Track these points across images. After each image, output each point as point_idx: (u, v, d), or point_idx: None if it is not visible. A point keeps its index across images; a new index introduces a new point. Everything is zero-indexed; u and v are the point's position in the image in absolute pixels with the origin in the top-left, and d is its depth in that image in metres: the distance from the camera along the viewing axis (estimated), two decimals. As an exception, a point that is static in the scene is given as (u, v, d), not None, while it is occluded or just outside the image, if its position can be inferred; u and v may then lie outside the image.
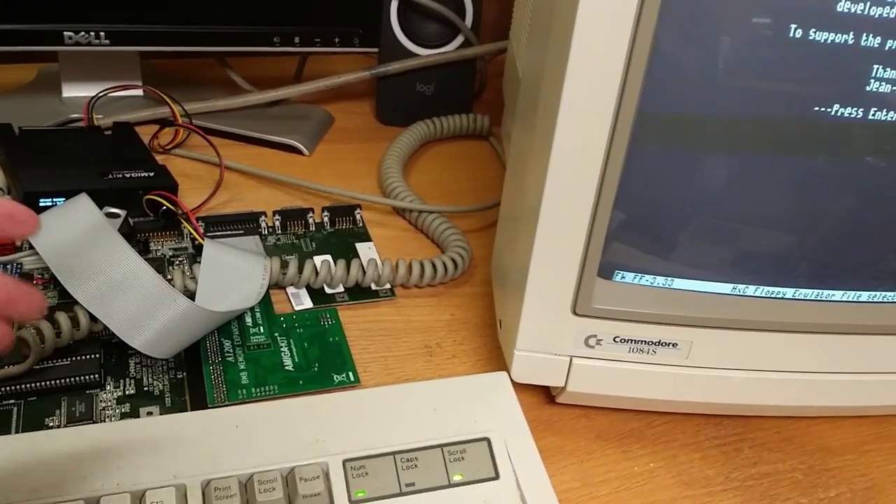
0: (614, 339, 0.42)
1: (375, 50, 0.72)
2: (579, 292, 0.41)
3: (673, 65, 0.35)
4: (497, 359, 0.49)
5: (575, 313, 0.41)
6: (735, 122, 0.37)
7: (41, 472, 0.36)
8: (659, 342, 0.42)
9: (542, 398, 0.47)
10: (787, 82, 0.36)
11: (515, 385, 0.44)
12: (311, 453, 0.38)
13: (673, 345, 0.42)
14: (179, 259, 0.54)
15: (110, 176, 0.56)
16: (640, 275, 0.41)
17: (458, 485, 0.38)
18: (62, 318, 0.44)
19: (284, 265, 0.52)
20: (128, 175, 0.56)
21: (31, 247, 0.50)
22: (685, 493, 0.43)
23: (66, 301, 0.46)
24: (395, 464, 0.38)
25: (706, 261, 0.41)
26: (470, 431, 0.40)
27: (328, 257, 0.56)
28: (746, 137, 0.38)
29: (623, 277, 0.42)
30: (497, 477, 0.39)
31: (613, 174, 0.37)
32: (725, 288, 0.42)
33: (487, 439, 0.40)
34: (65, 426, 0.42)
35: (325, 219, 0.59)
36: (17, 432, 0.41)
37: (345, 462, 0.38)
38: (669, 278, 0.41)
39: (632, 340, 0.42)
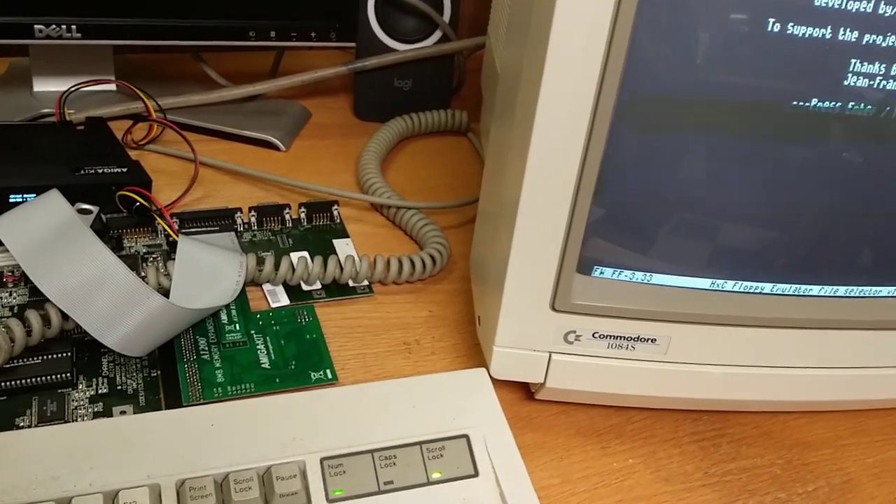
0: (593, 335, 0.42)
1: (352, 45, 0.72)
2: (558, 288, 0.40)
3: (652, 58, 0.35)
4: (475, 355, 0.49)
5: (554, 309, 0.41)
6: (714, 115, 0.37)
7: (11, 472, 0.36)
8: (638, 338, 0.42)
9: (520, 395, 0.47)
10: (764, 76, 0.36)
11: (494, 382, 0.43)
12: (288, 452, 0.38)
13: (652, 340, 0.42)
14: (153, 256, 0.53)
15: (82, 171, 0.55)
16: (618, 270, 0.41)
17: (437, 482, 0.38)
18: (33, 316, 0.43)
19: (260, 262, 0.52)
20: (100, 171, 0.55)
21: (1, 244, 0.49)
22: (664, 488, 0.43)
23: (37, 299, 0.45)
24: (373, 462, 0.38)
25: (684, 256, 0.41)
26: (449, 428, 0.40)
27: (305, 254, 0.55)
28: (725, 131, 0.38)
29: (602, 273, 0.41)
30: (476, 474, 0.39)
31: (592, 168, 0.37)
32: (704, 283, 0.42)
33: (466, 436, 0.40)
34: (36, 426, 0.41)
35: (302, 215, 0.58)
36: (-14, 433, 0.40)
37: (322, 460, 0.38)
38: (648, 273, 0.41)
39: (611, 336, 0.42)
